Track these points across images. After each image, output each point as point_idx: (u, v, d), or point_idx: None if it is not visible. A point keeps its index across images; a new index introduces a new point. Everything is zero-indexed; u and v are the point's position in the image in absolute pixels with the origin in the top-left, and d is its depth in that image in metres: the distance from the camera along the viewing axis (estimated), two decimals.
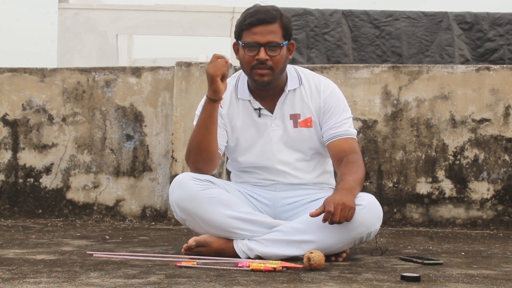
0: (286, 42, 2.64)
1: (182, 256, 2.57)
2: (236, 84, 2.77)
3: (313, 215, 2.41)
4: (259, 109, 2.72)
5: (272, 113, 2.72)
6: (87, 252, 2.70)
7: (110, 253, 2.65)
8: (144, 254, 2.62)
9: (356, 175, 2.57)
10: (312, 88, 2.75)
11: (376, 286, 1.99)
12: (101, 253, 2.64)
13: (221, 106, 2.73)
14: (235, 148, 2.78)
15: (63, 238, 3.33)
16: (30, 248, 2.88)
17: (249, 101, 2.73)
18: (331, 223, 2.40)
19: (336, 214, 2.37)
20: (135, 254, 2.63)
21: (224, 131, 2.75)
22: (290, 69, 2.76)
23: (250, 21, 2.60)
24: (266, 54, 2.60)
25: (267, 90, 2.70)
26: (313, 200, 2.69)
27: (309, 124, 2.72)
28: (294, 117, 2.72)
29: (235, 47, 2.69)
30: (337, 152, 2.67)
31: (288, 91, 2.72)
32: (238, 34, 2.66)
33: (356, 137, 2.73)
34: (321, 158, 2.80)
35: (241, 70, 2.74)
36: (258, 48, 2.60)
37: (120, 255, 2.60)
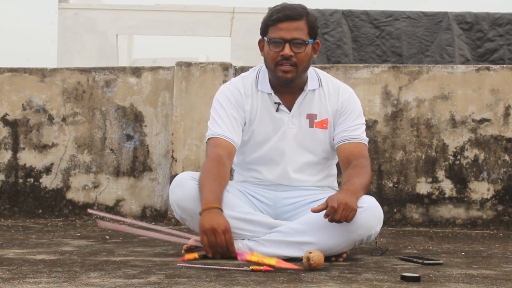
0: (312, 40, 2.64)
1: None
2: (257, 76, 2.76)
3: (315, 211, 2.40)
4: (278, 103, 2.72)
5: (290, 110, 2.72)
6: (88, 210, 2.69)
7: (112, 216, 2.62)
8: (157, 228, 2.61)
9: (362, 179, 2.56)
10: (330, 90, 2.75)
11: (376, 286, 1.99)
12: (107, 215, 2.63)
13: None
14: (248, 141, 2.76)
15: (63, 238, 3.33)
16: (30, 248, 2.88)
17: (269, 94, 2.73)
18: (331, 220, 2.39)
19: (337, 212, 2.37)
20: (145, 225, 2.61)
21: (241, 126, 2.73)
22: (310, 70, 2.76)
23: (277, 16, 2.60)
24: (291, 51, 2.59)
25: (287, 88, 2.70)
26: (314, 201, 2.68)
27: (324, 125, 2.73)
28: (311, 117, 2.72)
29: (261, 44, 2.69)
30: (346, 156, 2.67)
31: (308, 90, 2.72)
32: (264, 30, 2.65)
33: (367, 144, 2.73)
34: (328, 161, 2.80)
35: (261, 65, 2.74)
36: (283, 44, 2.60)
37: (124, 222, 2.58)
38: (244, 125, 2.74)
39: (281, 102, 2.72)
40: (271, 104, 2.73)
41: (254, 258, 2.28)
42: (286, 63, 2.60)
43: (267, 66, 2.69)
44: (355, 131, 2.71)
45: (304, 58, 2.62)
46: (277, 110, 2.72)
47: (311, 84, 2.73)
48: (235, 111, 2.71)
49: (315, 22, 2.66)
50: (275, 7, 2.65)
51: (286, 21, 2.60)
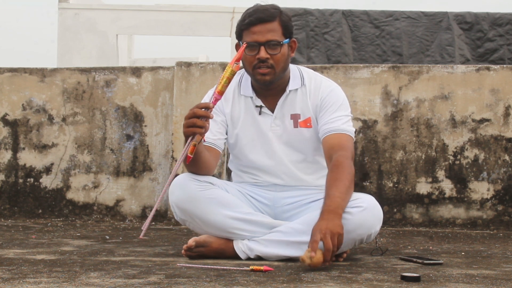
0: (287, 40, 2.64)
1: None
2: (240, 80, 2.77)
3: (304, 260, 2.25)
4: (260, 106, 2.72)
5: (272, 112, 2.72)
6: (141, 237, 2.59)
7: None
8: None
9: (341, 184, 2.45)
10: (312, 88, 2.74)
11: (376, 286, 1.99)
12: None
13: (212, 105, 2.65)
14: (235, 145, 2.77)
15: (63, 238, 3.33)
16: (30, 248, 2.88)
17: (251, 98, 2.73)
18: (327, 259, 2.26)
19: (325, 244, 2.27)
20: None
21: (222, 128, 2.74)
22: (294, 69, 2.75)
23: (249, 20, 2.61)
24: (266, 53, 2.59)
25: (269, 89, 2.70)
26: (313, 201, 2.68)
27: (308, 124, 2.71)
28: (295, 117, 2.72)
29: (237, 48, 2.69)
30: (327, 149, 2.62)
31: (289, 91, 2.71)
32: (239, 35, 2.66)
33: (351, 134, 2.65)
34: (323, 160, 2.79)
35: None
36: (258, 47, 2.60)
37: None
38: (227, 127, 2.76)
39: (263, 105, 2.71)
40: (253, 107, 2.73)
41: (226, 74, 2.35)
42: (263, 66, 2.60)
43: (246, 70, 2.69)
44: (335, 123, 2.64)
45: (281, 59, 2.62)
46: (260, 113, 2.72)
47: (293, 84, 2.72)
48: (214, 114, 2.70)
49: (288, 21, 2.65)
50: (247, 10, 2.65)
51: (259, 24, 2.59)
